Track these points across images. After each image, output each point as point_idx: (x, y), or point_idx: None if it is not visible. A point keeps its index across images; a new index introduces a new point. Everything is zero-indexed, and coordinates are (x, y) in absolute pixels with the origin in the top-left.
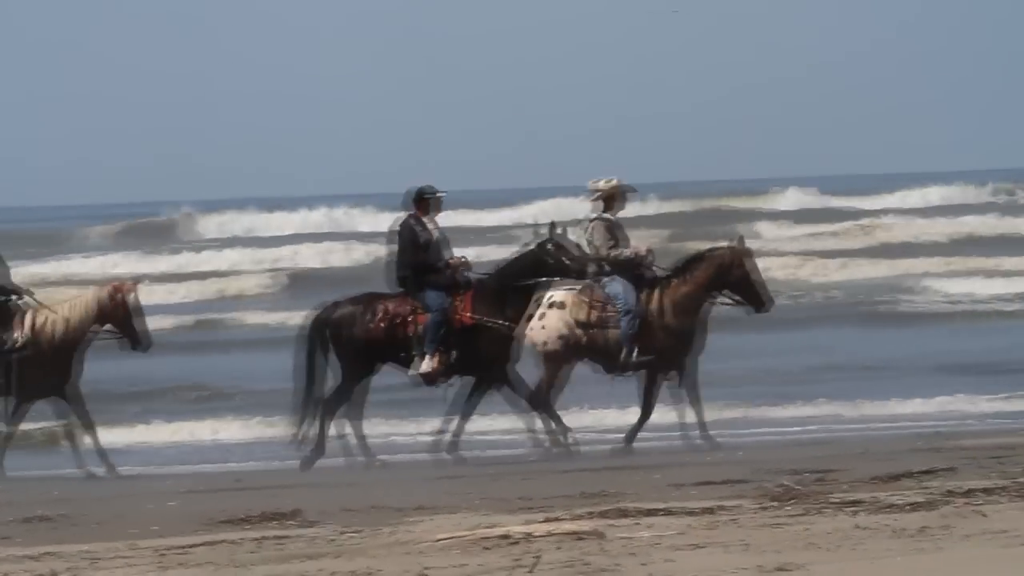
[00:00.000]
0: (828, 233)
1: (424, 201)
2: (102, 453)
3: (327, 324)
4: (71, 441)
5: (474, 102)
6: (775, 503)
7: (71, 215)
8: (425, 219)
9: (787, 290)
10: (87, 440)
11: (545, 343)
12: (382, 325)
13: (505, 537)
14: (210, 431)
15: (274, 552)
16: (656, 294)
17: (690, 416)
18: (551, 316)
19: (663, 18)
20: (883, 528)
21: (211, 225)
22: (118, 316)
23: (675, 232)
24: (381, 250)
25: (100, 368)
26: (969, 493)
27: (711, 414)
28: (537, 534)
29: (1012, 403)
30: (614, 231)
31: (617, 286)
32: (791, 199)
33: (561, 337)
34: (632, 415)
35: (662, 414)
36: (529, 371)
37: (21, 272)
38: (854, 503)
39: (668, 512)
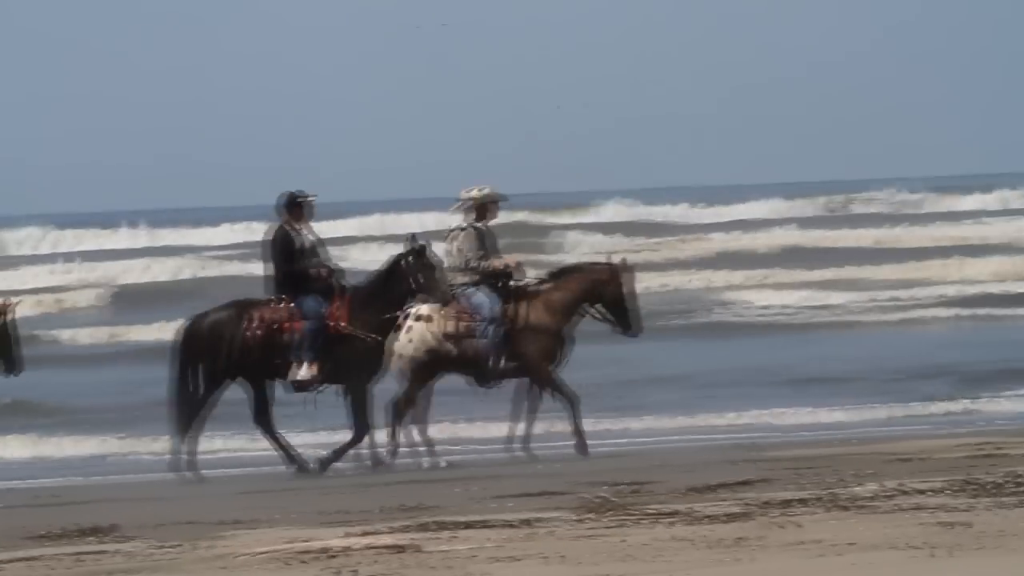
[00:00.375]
0: (647, 247)
1: (296, 206)
2: None
3: (196, 333)
4: None
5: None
6: (592, 515)
7: None
8: (298, 225)
9: None
10: None
11: (412, 356)
12: (250, 333)
13: (323, 551)
14: (30, 446)
15: (92, 567)
16: (524, 301)
17: (520, 428)
18: (416, 329)
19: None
20: (699, 539)
21: (45, 241)
22: None
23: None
24: (201, 264)
25: None
26: (784, 504)
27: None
28: (355, 547)
29: (826, 414)
30: (484, 241)
31: (480, 296)
32: (610, 211)
33: (428, 351)
34: (438, 430)
35: (482, 427)
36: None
37: None
38: (670, 514)
39: (486, 524)
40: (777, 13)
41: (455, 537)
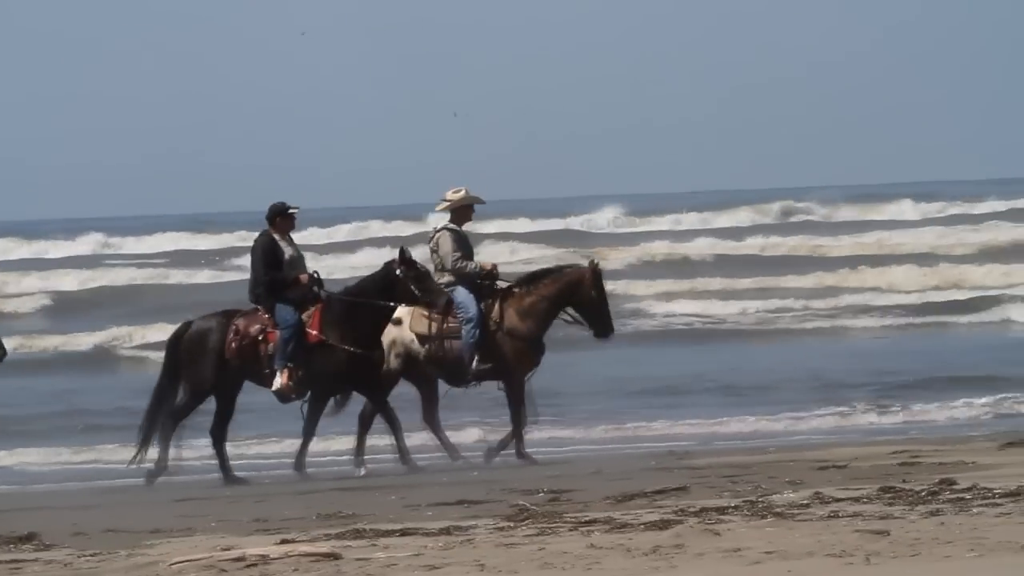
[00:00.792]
0: (573, 257)
1: (286, 217)
2: None
3: (180, 341)
4: None
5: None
6: (510, 523)
7: None
8: (281, 236)
9: None
10: None
11: (384, 359)
12: (235, 344)
13: (241, 559)
14: None
15: None
16: (499, 304)
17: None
18: (390, 331)
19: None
20: (617, 547)
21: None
22: None
23: None
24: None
25: None
26: (701, 512)
27: (451, 436)
28: (273, 556)
29: (744, 423)
30: (461, 242)
31: (460, 294)
32: (535, 222)
33: (398, 355)
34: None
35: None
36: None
37: None
38: (588, 523)
39: (403, 533)
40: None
41: (373, 546)
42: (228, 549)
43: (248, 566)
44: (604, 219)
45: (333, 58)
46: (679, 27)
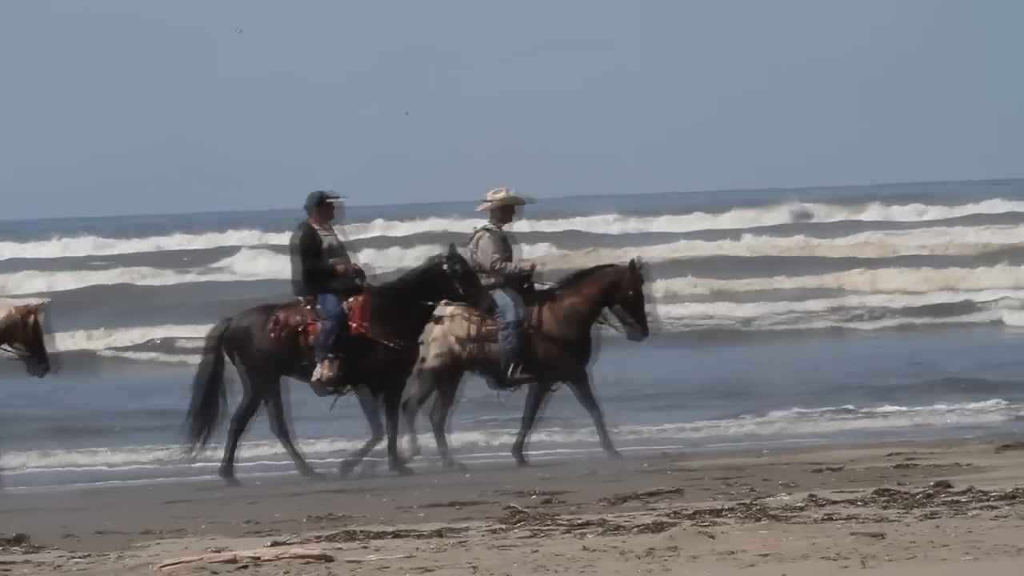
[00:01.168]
0: (559, 258)
1: (326, 207)
2: None
3: (222, 339)
4: None
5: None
6: (503, 525)
7: None
8: (324, 226)
9: None
10: None
11: (423, 359)
12: (275, 336)
13: (232, 561)
14: None
15: None
16: (539, 307)
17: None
18: (436, 332)
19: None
20: (610, 550)
21: None
22: (27, 336)
23: None
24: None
25: None
26: (696, 514)
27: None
28: (265, 558)
29: (738, 425)
30: (501, 243)
31: (505, 298)
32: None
33: (440, 354)
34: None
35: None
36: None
37: None
38: (582, 525)
39: (396, 535)
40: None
41: (365, 548)
42: (219, 551)
43: (239, 568)
44: (598, 220)
45: (334, 55)
46: (671, 25)
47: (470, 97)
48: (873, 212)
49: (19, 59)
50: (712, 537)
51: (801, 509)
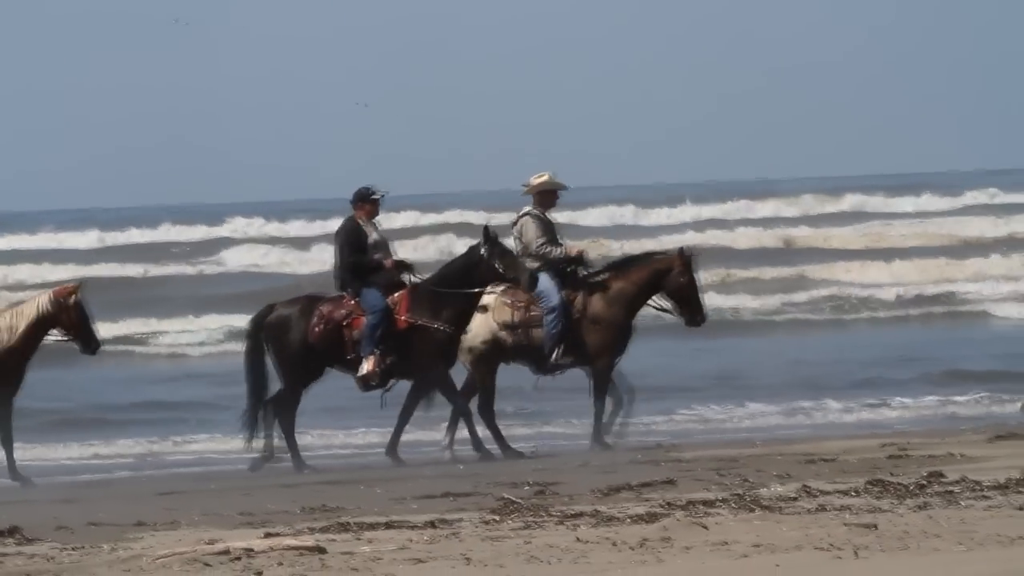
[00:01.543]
0: None
1: (370, 202)
2: (12, 467)
3: (262, 327)
4: None
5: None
6: (496, 516)
7: None
8: (365, 220)
9: None
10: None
11: (470, 348)
12: (320, 330)
13: (225, 553)
14: None
15: None
16: (585, 292)
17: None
18: (476, 320)
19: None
20: (603, 541)
21: None
22: (68, 320)
23: None
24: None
25: None
26: (688, 505)
27: (433, 432)
28: (258, 550)
29: (730, 416)
30: (545, 227)
31: (543, 283)
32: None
33: (485, 341)
34: (358, 436)
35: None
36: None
37: None
38: (575, 516)
39: (389, 526)
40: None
41: (358, 539)
42: (213, 543)
43: (233, 559)
44: (601, 213)
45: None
46: (670, 24)
47: (470, 96)
48: (861, 203)
49: (18, 60)
50: (705, 528)
51: (794, 500)
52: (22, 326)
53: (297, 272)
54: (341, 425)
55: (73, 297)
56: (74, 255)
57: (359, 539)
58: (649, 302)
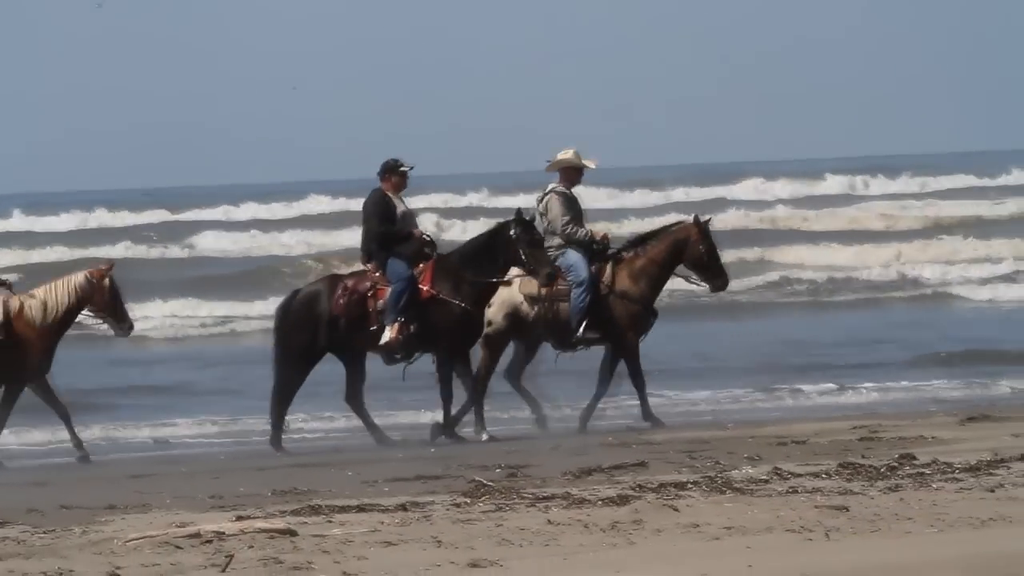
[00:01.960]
0: None
1: (398, 175)
2: (77, 442)
3: (289, 309)
4: None
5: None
6: (467, 499)
7: None
8: (395, 194)
9: None
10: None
11: (490, 322)
12: (344, 302)
13: (196, 536)
14: None
15: None
16: (609, 268)
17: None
18: (499, 295)
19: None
20: (575, 523)
21: None
22: (101, 300)
23: None
24: None
25: None
26: (660, 487)
27: (409, 416)
28: (229, 533)
29: (701, 398)
30: (571, 205)
31: (571, 257)
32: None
33: (507, 316)
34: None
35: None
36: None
37: None
38: (546, 498)
39: (360, 509)
40: None
41: (329, 522)
42: (184, 526)
43: (204, 543)
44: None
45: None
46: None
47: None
48: (836, 185)
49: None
50: (676, 510)
51: (765, 482)
52: (58, 306)
53: (269, 253)
54: (312, 409)
55: (108, 278)
56: (43, 238)
57: (330, 522)
58: (675, 274)
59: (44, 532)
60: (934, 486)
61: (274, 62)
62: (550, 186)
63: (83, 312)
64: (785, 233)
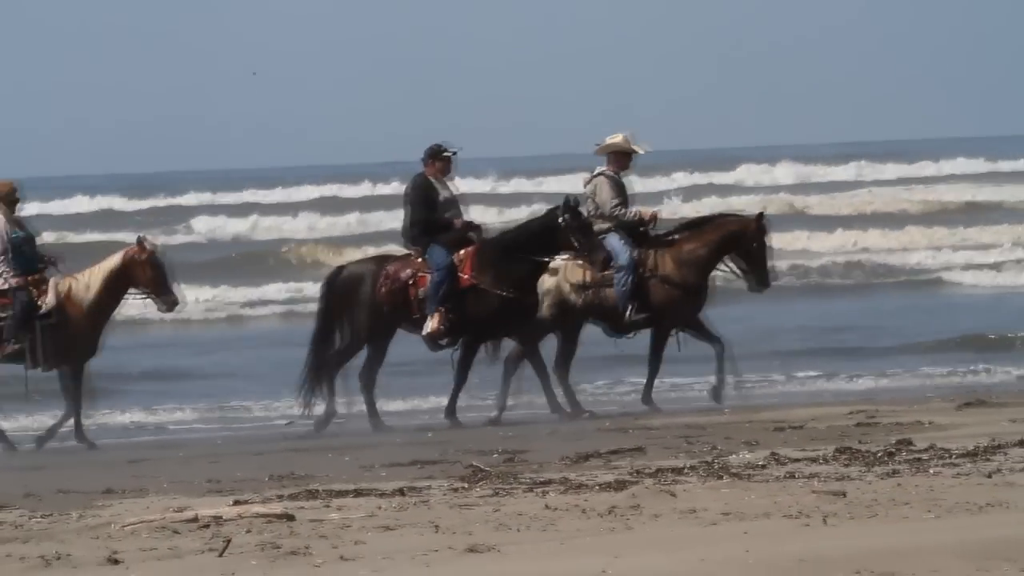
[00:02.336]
0: None
1: (442, 159)
2: (80, 431)
3: (334, 288)
4: None
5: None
6: (465, 484)
7: None
8: (439, 179)
9: None
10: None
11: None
12: (386, 289)
13: (194, 520)
14: None
15: None
16: (656, 251)
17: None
18: (545, 283)
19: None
20: (572, 508)
21: None
22: (146, 276)
23: None
24: None
25: None
26: (657, 473)
27: (408, 402)
28: (227, 517)
29: (700, 382)
30: (619, 189)
31: (612, 241)
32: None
33: (553, 304)
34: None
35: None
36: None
37: None
38: (543, 483)
39: (358, 493)
40: None
41: (327, 507)
42: (181, 510)
43: (201, 527)
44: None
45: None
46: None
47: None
48: (837, 171)
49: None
50: (674, 495)
51: (763, 467)
52: (97, 284)
53: (267, 238)
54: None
55: (146, 255)
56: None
57: (328, 507)
58: (721, 264)
59: (42, 516)
60: (931, 471)
61: (274, 61)
62: (598, 169)
63: (129, 291)
64: (783, 218)
